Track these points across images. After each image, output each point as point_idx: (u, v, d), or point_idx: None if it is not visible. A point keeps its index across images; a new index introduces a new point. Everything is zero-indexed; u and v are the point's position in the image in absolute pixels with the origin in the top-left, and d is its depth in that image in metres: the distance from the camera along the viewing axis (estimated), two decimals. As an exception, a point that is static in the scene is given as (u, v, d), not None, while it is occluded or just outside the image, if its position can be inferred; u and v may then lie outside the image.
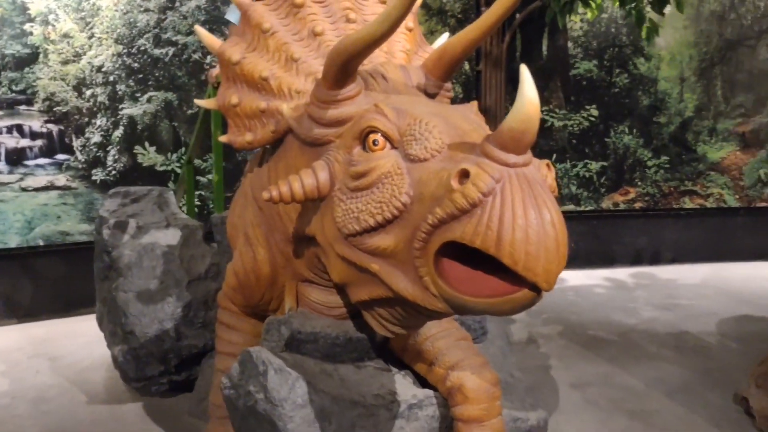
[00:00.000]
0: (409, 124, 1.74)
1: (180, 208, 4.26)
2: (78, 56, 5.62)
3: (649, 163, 7.52)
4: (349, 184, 1.82)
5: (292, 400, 2.24)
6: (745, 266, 7.23)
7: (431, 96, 2.15)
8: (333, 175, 1.91)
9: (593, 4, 5.65)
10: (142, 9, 5.79)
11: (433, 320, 2.33)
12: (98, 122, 5.74)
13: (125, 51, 5.77)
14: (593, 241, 7.46)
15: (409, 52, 2.45)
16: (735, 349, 4.46)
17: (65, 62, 5.57)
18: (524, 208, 1.49)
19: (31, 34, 5.45)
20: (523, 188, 1.50)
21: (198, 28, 2.48)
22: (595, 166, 7.45)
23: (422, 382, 2.60)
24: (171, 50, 5.91)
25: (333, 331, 2.49)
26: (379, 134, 1.78)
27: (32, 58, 5.48)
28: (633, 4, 5.47)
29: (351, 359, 2.56)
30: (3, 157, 5.46)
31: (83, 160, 5.73)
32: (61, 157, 5.65)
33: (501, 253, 1.48)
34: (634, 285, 6.54)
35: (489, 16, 1.90)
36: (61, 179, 5.64)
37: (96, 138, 5.75)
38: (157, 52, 5.88)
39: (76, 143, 5.69)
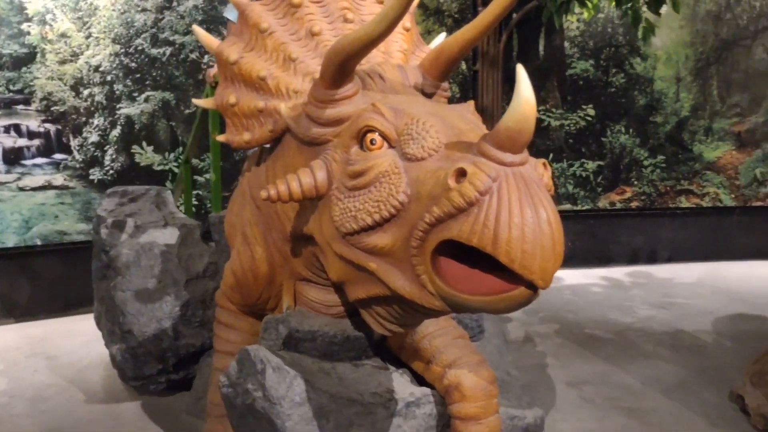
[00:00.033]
0: (406, 124, 1.75)
1: (177, 207, 4.26)
2: (75, 56, 5.62)
3: (646, 163, 7.54)
4: (347, 183, 1.83)
5: (290, 398, 2.25)
6: (741, 265, 7.26)
7: (428, 96, 2.16)
8: (331, 174, 1.92)
9: (590, 4, 5.67)
10: (139, 9, 5.79)
11: (430, 318, 2.33)
12: (96, 122, 5.74)
13: (123, 51, 5.78)
14: (590, 240, 7.48)
15: (406, 52, 2.45)
16: (730, 348, 4.48)
17: (63, 62, 5.57)
18: (521, 206, 1.50)
19: (28, 33, 5.45)
20: (520, 187, 1.52)
21: (196, 27, 2.49)
22: (591, 165, 7.47)
23: (420, 380, 2.60)
24: (168, 50, 5.92)
25: (331, 329, 2.50)
26: (377, 133, 1.79)
27: (30, 57, 5.48)
28: (629, 4, 5.48)
29: (349, 358, 2.57)
30: (0, 157, 5.46)
31: (81, 159, 5.73)
32: (58, 156, 5.65)
33: (498, 251, 1.49)
34: (631, 284, 6.57)
35: (486, 16, 1.91)
36: (59, 179, 5.65)
37: (93, 137, 5.75)
38: (154, 51, 5.88)
39: (74, 143, 5.69)
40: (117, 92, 5.79)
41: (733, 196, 7.67)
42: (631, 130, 7.50)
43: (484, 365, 2.52)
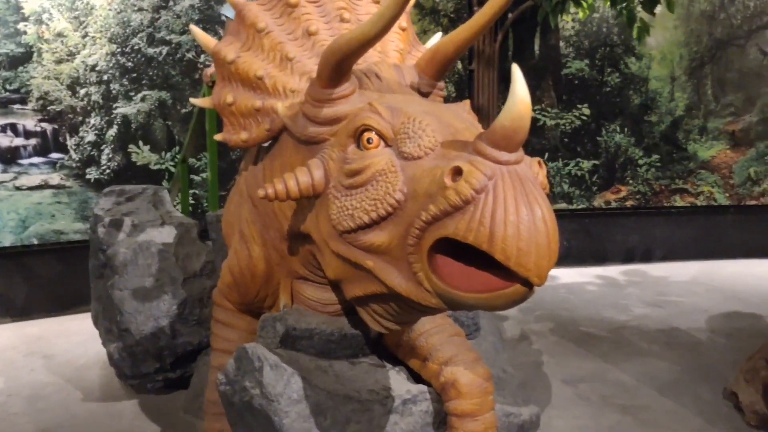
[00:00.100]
0: (402, 123, 1.76)
1: (174, 206, 4.27)
2: (72, 55, 5.62)
3: (641, 162, 7.57)
4: (344, 182, 1.84)
5: (287, 396, 2.26)
6: (735, 263, 7.30)
7: (424, 95, 2.17)
8: (328, 173, 1.93)
9: (585, 4, 5.69)
10: (135, 8, 5.79)
11: (426, 316, 2.35)
12: (92, 121, 5.74)
13: (119, 50, 5.78)
14: (585, 239, 7.50)
15: (402, 51, 2.47)
16: (724, 345, 4.51)
17: (59, 61, 5.57)
18: (516, 204, 1.51)
19: (24, 33, 5.45)
20: (515, 185, 1.53)
21: (193, 27, 2.50)
22: (586, 164, 7.50)
23: (416, 377, 2.62)
24: (165, 49, 5.92)
25: (328, 327, 2.51)
26: (374, 132, 1.80)
27: (26, 57, 5.48)
28: (624, 4, 5.51)
29: (345, 355, 2.58)
30: (-3, 156, 5.48)
31: (77, 159, 5.73)
32: (55, 156, 5.65)
33: (493, 248, 1.50)
34: (626, 282, 6.59)
35: (481, 16, 1.92)
36: (55, 178, 5.65)
37: (90, 137, 5.75)
38: (150, 51, 5.88)
39: (70, 142, 5.69)
40: (113, 92, 5.79)
41: (727, 195, 7.71)
42: (626, 130, 7.53)
43: (480, 362, 2.54)
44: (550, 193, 1.61)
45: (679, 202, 7.67)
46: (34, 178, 5.57)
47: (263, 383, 2.26)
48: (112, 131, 5.82)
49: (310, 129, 2.02)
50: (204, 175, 6.05)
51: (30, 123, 5.54)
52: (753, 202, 7.76)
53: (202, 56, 6.02)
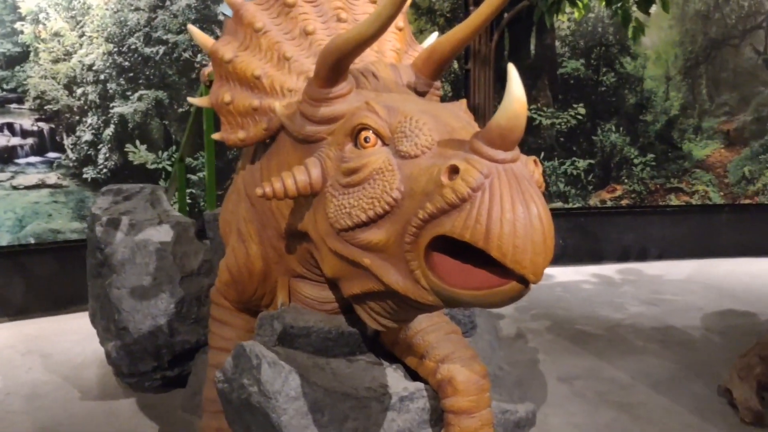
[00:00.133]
0: (399, 122, 1.78)
1: (171, 205, 4.28)
2: (69, 55, 5.62)
3: (636, 161, 7.60)
4: (341, 181, 1.86)
5: (285, 393, 2.27)
6: (730, 262, 7.34)
7: (421, 94, 2.18)
8: (325, 172, 1.93)
9: (580, 4, 5.72)
10: (132, 8, 5.80)
11: (423, 313, 2.36)
12: (89, 120, 5.75)
13: (116, 50, 5.78)
14: (581, 237, 7.53)
15: (399, 51, 2.48)
16: (719, 343, 4.53)
17: (56, 61, 5.57)
18: (512, 202, 1.52)
19: (21, 32, 5.45)
20: (511, 183, 1.55)
21: (191, 27, 2.51)
22: (582, 163, 7.52)
23: (413, 375, 2.63)
24: (161, 49, 5.93)
25: (325, 325, 2.52)
26: (371, 131, 1.81)
27: (23, 56, 5.48)
28: (619, 4, 5.54)
29: (343, 353, 2.59)
30: (-7, 156, 5.49)
31: (74, 158, 5.73)
32: (52, 155, 5.66)
33: (489, 246, 1.51)
34: (621, 281, 6.62)
35: (477, 16, 1.94)
36: (52, 177, 5.65)
37: (87, 136, 5.75)
38: (147, 50, 5.89)
39: (67, 141, 5.69)
40: (110, 91, 5.79)
41: (722, 193, 7.74)
42: (621, 129, 7.56)
43: (477, 360, 2.55)
44: (545, 191, 1.63)
45: (674, 201, 7.71)
46: (31, 178, 5.58)
47: (261, 380, 2.26)
48: (109, 130, 5.83)
49: (308, 128, 2.03)
50: (201, 174, 6.05)
51: (27, 122, 5.54)
52: (747, 201, 7.80)
53: (199, 56, 6.03)
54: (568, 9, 5.88)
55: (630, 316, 5.22)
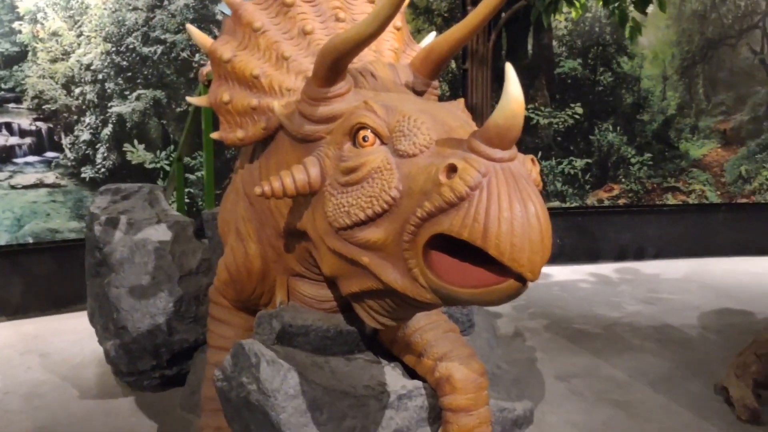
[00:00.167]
0: (398, 121, 1.79)
1: (170, 204, 4.28)
2: (67, 54, 5.62)
3: (633, 160, 7.62)
4: (340, 179, 1.86)
5: (284, 391, 2.28)
6: (726, 261, 7.37)
7: (419, 93, 2.19)
8: (324, 171, 1.94)
9: (577, 4, 5.73)
10: (130, 7, 5.80)
11: (422, 312, 2.37)
12: (87, 120, 5.75)
13: (114, 49, 5.78)
14: (578, 237, 7.55)
15: (397, 50, 2.49)
16: (715, 341, 4.55)
17: (54, 60, 5.57)
18: (510, 201, 1.53)
19: (19, 32, 5.45)
20: (509, 182, 1.56)
21: (189, 26, 2.51)
22: (579, 163, 7.54)
23: (411, 373, 2.64)
24: (159, 48, 5.93)
25: (324, 324, 2.53)
26: (369, 130, 1.82)
27: (21, 56, 5.48)
28: (616, 4, 5.55)
29: (341, 352, 2.60)
30: (-9, 155, 5.49)
31: (72, 157, 5.74)
32: (50, 154, 5.66)
33: (487, 244, 1.52)
34: (619, 280, 6.64)
35: (475, 16, 1.95)
36: (50, 177, 5.65)
37: (85, 136, 5.76)
38: (145, 50, 5.89)
39: (65, 141, 5.69)
40: (108, 91, 5.80)
41: (718, 193, 7.77)
42: (618, 128, 7.58)
43: (475, 358, 2.56)
44: (543, 190, 1.64)
45: (671, 200, 7.72)
46: (29, 177, 5.58)
47: (260, 379, 2.27)
48: (107, 130, 5.83)
49: (306, 127, 2.04)
50: (199, 173, 6.06)
51: (25, 122, 5.54)
52: (744, 200, 7.82)
53: (197, 55, 6.03)
54: (565, 9, 5.89)
55: (627, 315, 5.23)
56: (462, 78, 7.08)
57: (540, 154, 7.40)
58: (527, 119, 6.97)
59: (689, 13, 7.55)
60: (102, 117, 5.80)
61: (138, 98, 5.90)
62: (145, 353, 3.44)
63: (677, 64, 7.59)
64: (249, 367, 2.31)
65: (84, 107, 5.73)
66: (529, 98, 7.19)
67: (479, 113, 6.68)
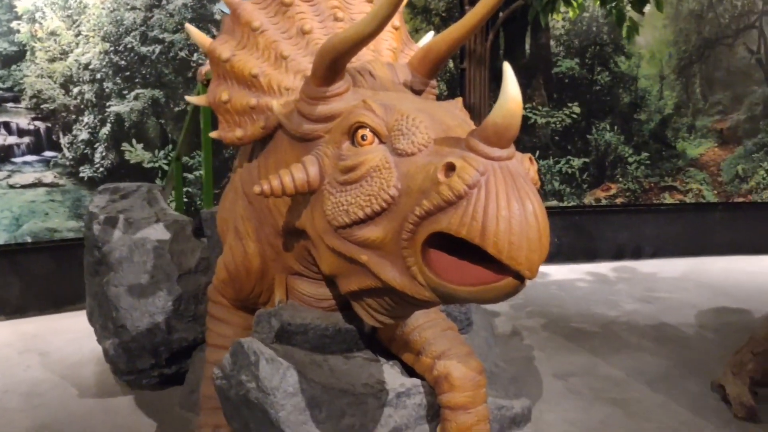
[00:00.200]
0: (396, 120, 1.80)
1: (168, 204, 4.29)
2: (65, 54, 5.62)
3: (630, 160, 7.63)
4: (339, 178, 1.87)
5: (283, 389, 2.29)
6: (723, 260, 7.39)
7: (417, 93, 2.20)
8: (323, 170, 1.95)
9: (575, 3, 5.74)
10: (128, 7, 5.80)
11: (420, 310, 2.38)
12: (85, 119, 5.75)
13: (112, 49, 5.78)
14: (576, 236, 7.56)
15: (395, 50, 2.50)
16: (712, 340, 4.56)
17: (52, 60, 5.57)
18: (508, 199, 1.55)
19: (18, 31, 5.45)
20: (507, 181, 1.57)
21: (188, 26, 2.52)
22: (577, 162, 7.55)
23: (410, 371, 2.65)
24: (158, 48, 5.93)
25: (322, 322, 2.54)
26: (368, 129, 1.83)
27: (19, 55, 5.48)
28: (614, 4, 5.56)
29: (340, 350, 2.61)
30: (-10, 155, 5.49)
31: (71, 157, 5.74)
32: (48, 154, 5.66)
33: (486, 242, 1.53)
34: (616, 279, 6.65)
35: (473, 15, 1.96)
36: (49, 176, 5.65)
37: (83, 135, 5.76)
38: (144, 49, 5.89)
39: (64, 140, 5.70)
40: (107, 90, 5.80)
41: (715, 192, 7.79)
42: (615, 128, 7.59)
43: (473, 356, 2.57)
44: (540, 189, 1.65)
45: (668, 199, 7.74)
46: (28, 177, 5.58)
47: (259, 377, 2.28)
48: (106, 129, 5.83)
49: (305, 126, 2.05)
50: (197, 173, 6.06)
51: (23, 121, 5.54)
52: (741, 200, 7.85)
53: (195, 55, 6.04)
54: (562, 8, 5.90)
55: (624, 314, 5.25)
56: (460, 77, 7.10)
57: (537, 153, 7.41)
58: (525, 119, 6.99)
59: (686, 12, 7.57)
60: (100, 116, 5.80)
61: (136, 98, 5.90)
62: (144, 352, 3.44)
63: (674, 64, 7.61)
64: (248, 365, 2.32)
65: (82, 107, 5.73)
66: (526, 98, 7.20)
67: (477, 113, 6.69)
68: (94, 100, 5.76)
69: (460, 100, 2.08)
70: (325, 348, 2.56)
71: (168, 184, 5.37)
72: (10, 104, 5.47)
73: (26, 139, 5.56)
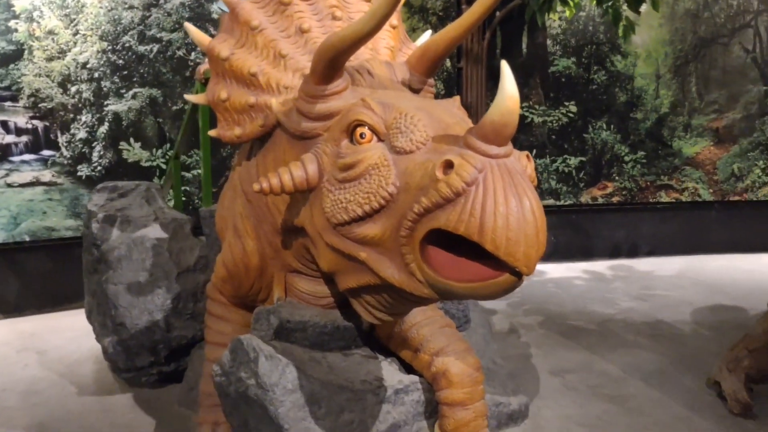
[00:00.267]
0: (395, 118, 1.81)
1: (166, 202, 4.29)
2: (63, 53, 5.62)
3: (626, 158, 7.66)
4: (338, 176, 1.89)
5: (282, 386, 2.30)
6: (719, 258, 7.42)
7: (415, 91, 2.22)
8: (321, 167, 1.97)
9: (571, 3, 5.76)
10: (126, 6, 5.81)
11: (418, 306, 2.40)
12: (83, 118, 5.75)
13: (110, 48, 5.79)
14: (572, 234, 7.59)
15: (393, 49, 2.51)
16: (708, 337, 4.59)
17: (50, 59, 5.57)
18: (505, 196, 1.56)
19: (15, 30, 5.44)
20: (504, 178, 1.58)
21: (188, 25, 2.53)
22: (574, 161, 7.57)
23: (408, 368, 2.67)
24: (155, 47, 5.94)
25: (321, 320, 2.55)
26: (366, 127, 1.85)
27: (17, 54, 5.47)
28: (610, 3, 5.58)
29: (339, 347, 2.63)
30: (-13, 153, 5.49)
31: (68, 156, 5.74)
32: (46, 153, 5.66)
33: (483, 239, 1.55)
34: (612, 277, 6.67)
35: (470, 15, 1.98)
36: (47, 175, 5.65)
37: (81, 134, 5.76)
38: (141, 48, 5.89)
39: (62, 139, 5.70)
40: (104, 89, 5.80)
41: (711, 190, 7.82)
42: (612, 127, 7.61)
43: (471, 353, 2.59)
44: (537, 188, 1.66)
45: (664, 198, 7.77)
46: (26, 175, 5.58)
47: (258, 373, 2.29)
48: (104, 128, 5.83)
49: (304, 124, 2.06)
50: (195, 172, 6.07)
51: (21, 120, 5.54)
52: (736, 198, 7.87)
53: (193, 54, 6.04)
54: (559, 8, 5.92)
55: (621, 312, 5.27)
56: (457, 76, 7.11)
57: (534, 152, 7.43)
58: (521, 117, 7.00)
59: (682, 12, 7.60)
60: (98, 115, 5.80)
61: (134, 96, 5.90)
62: (142, 350, 3.45)
63: (670, 63, 7.63)
64: (247, 362, 2.33)
65: (80, 105, 5.73)
66: (523, 97, 7.21)
67: (474, 111, 6.70)
68: (91, 99, 5.76)
69: (458, 98, 2.09)
70: (324, 345, 2.58)
71: (166, 183, 5.38)
72: (7, 103, 5.46)
73: (24, 138, 5.56)
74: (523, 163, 1.68)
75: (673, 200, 7.78)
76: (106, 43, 5.76)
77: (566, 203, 7.58)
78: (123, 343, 3.43)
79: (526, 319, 5.05)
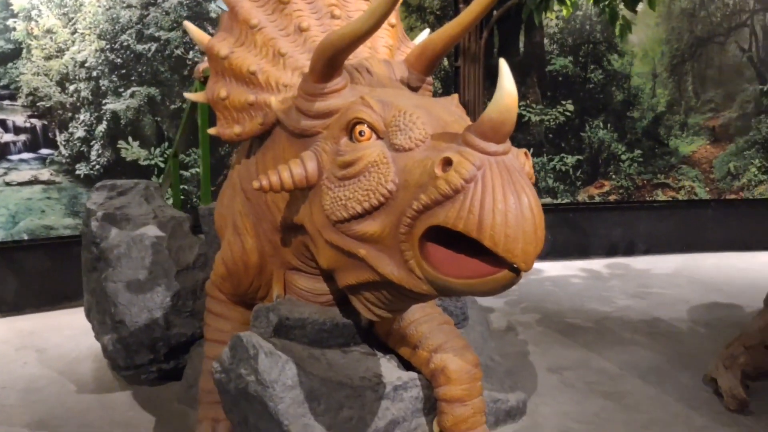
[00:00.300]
0: (393, 116, 1.83)
1: (165, 201, 4.31)
2: (61, 52, 5.63)
3: (623, 157, 7.68)
4: (337, 173, 1.90)
5: (282, 382, 2.32)
6: (715, 256, 7.45)
7: (414, 89, 2.24)
8: (321, 165, 1.98)
9: (568, 2, 5.79)
10: (124, 5, 5.81)
11: (417, 303, 2.41)
12: (82, 117, 5.76)
13: (108, 46, 5.79)
14: (569, 233, 7.61)
15: (391, 47, 2.53)
16: (704, 334, 4.61)
17: (48, 58, 5.58)
18: (504, 193, 1.58)
19: (14, 29, 5.44)
20: (503, 175, 1.60)
21: (187, 23, 2.55)
22: (571, 159, 7.59)
23: (406, 365, 2.69)
24: (154, 46, 5.94)
25: (320, 317, 2.57)
26: (365, 125, 1.86)
27: (15, 53, 5.47)
28: (606, 2, 5.61)
29: (338, 344, 2.64)
30: (-14, 152, 5.49)
31: (67, 154, 5.74)
32: (44, 151, 5.66)
33: (482, 235, 1.57)
34: (609, 275, 6.70)
35: (468, 14, 1.99)
36: (45, 174, 5.66)
37: (79, 133, 5.76)
38: (139, 47, 5.90)
39: (60, 138, 5.70)
40: (103, 88, 5.81)
41: (707, 189, 7.84)
42: (609, 125, 7.64)
43: (469, 349, 2.61)
44: (535, 186, 1.68)
45: (660, 196, 7.79)
46: (24, 174, 5.58)
47: (258, 370, 2.31)
48: (102, 127, 5.84)
49: (303, 122, 2.07)
50: (193, 170, 6.08)
51: (19, 119, 5.54)
52: (733, 197, 7.90)
53: (191, 53, 6.05)
54: (556, 7, 5.95)
55: (618, 309, 5.29)
56: (454, 75, 7.13)
57: (531, 150, 7.39)
58: (519, 116, 7.00)
59: (678, 11, 7.62)
60: (96, 114, 5.81)
61: (132, 95, 5.91)
62: (142, 347, 3.46)
63: (667, 62, 7.66)
64: (247, 358, 2.35)
65: (78, 104, 5.74)
66: (520, 95, 7.23)
67: (471, 110, 6.72)
68: (90, 97, 5.76)
69: (456, 96, 2.11)
70: (323, 342, 2.59)
71: (165, 181, 5.38)
72: (6, 102, 5.46)
73: (22, 137, 5.56)
74: (521, 161, 1.70)
75: (670, 199, 7.81)
76: (104, 42, 5.76)
77: (563, 202, 7.61)
78: (122, 340, 3.44)
79: (523, 317, 5.06)
